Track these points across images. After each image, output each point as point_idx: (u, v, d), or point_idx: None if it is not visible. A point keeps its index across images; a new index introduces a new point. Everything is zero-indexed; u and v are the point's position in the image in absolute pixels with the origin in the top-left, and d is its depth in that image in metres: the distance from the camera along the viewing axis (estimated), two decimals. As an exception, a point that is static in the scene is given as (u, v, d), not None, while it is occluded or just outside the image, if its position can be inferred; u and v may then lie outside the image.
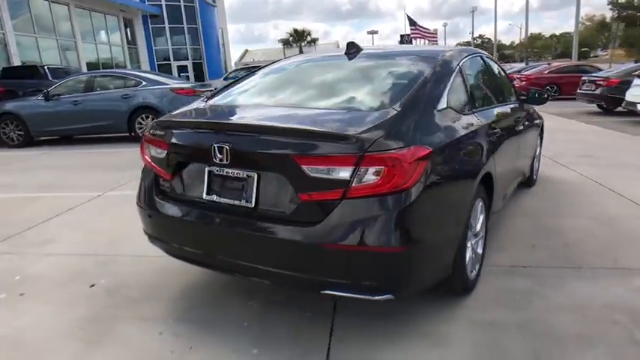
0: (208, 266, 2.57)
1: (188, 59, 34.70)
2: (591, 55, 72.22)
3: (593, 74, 13.70)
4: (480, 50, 3.88)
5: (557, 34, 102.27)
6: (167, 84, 9.95)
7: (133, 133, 9.76)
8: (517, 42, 63.58)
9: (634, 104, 10.34)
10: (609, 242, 3.60)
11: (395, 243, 2.03)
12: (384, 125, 2.13)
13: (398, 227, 2.03)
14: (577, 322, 2.51)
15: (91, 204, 5.14)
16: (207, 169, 2.38)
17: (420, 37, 61.52)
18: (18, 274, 3.34)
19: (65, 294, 3.03)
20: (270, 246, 2.20)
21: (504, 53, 76.38)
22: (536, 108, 5.09)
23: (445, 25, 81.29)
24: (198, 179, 2.44)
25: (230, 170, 2.30)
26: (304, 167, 2.07)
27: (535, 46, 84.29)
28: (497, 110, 3.44)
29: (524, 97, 4.36)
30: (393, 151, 2.01)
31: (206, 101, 3.01)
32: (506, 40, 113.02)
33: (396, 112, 2.25)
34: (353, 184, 2.02)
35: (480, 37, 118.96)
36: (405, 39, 68.50)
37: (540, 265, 3.22)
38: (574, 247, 3.52)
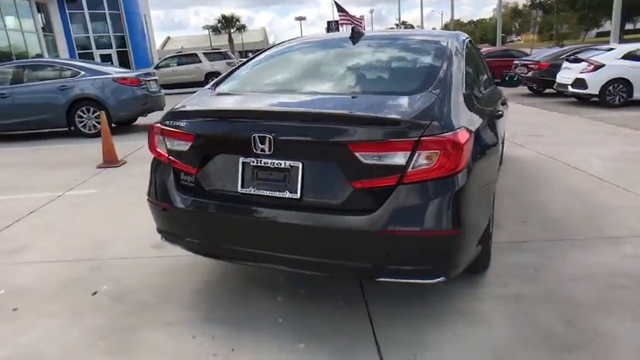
0: (241, 260, 2.45)
1: (112, 47, 32.59)
2: (507, 41, 76.87)
3: (524, 58, 14.58)
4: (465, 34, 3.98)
5: (475, 20, 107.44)
6: (109, 73, 9.30)
7: (72, 127, 9.06)
8: (439, 28, 66.08)
9: (564, 85, 11.17)
10: (587, 214, 3.88)
11: (449, 226, 2.05)
12: (433, 109, 2.13)
13: (451, 210, 2.06)
14: (591, 289, 2.69)
15: (53, 205, 4.72)
16: (242, 160, 2.26)
17: (348, 24, 62.40)
18: (1, 288, 3.01)
19: (65, 304, 2.77)
20: (321, 237, 2.14)
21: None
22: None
23: (372, 11, 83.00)
24: (229, 171, 2.31)
25: (271, 161, 2.20)
26: (358, 154, 2.02)
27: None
28: (490, 93, 3.56)
29: (498, 81, 4.55)
30: (448, 134, 2.02)
31: (214, 89, 2.84)
32: (427, 27, 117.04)
33: (435, 96, 2.26)
34: (409, 170, 2.01)
35: (404, 23, 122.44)
36: (331, 25, 69.13)
37: (538, 239, 3.41)
38: (561, 220, 3.76)
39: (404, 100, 2.25)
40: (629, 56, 10.28)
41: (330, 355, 2.21)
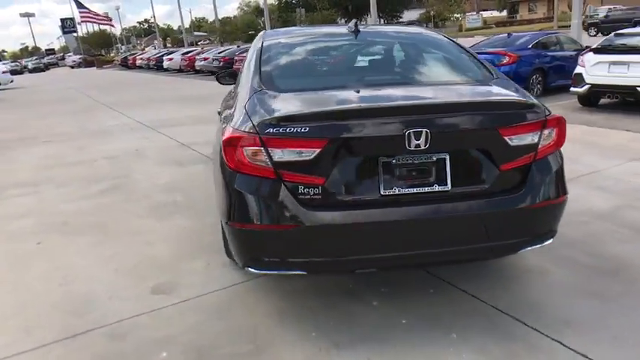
0: (384, 267, 2.37)
1: None
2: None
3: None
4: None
5: (220, 18, 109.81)
6: None
7: None
8: (187, 26, 65.73)
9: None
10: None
11: (564, 192, 2.39)
12: (525, 94, 2.44)
13: (562, 178, 2.39)
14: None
15: None
16: (382, 160, 2.10)
17: (92, 21, 55.95)
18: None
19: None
20: (473, 223, 2.19)
21: (178, 37, 77.62)
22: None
23: (118, 8, 77.20)
24: (366, 175, 2.13)
25: (417, 156, 2.11)
26: (506, 138, 2.15)
27: (204, 30, 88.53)
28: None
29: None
30: (555, 113, 2.33)
31: (263, 89, 2.45)
32: (174, 25, 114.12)
33: (510, 83, 2.56)
34: (539, 147, 2.25)
35: (146, 21, 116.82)
36: (67, 23, 61.05)
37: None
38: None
39: (495, 87, 2.49)
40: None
41: (482, 337, 2.27)
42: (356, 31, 3.09)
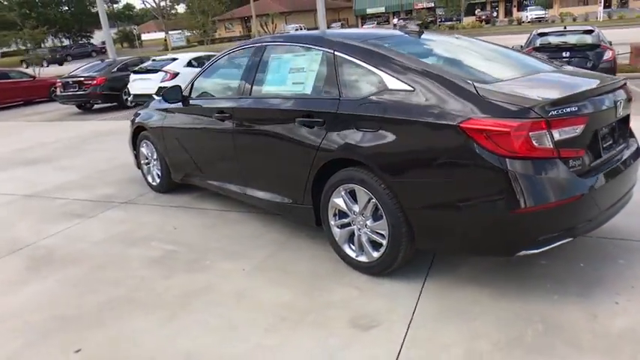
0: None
1: None
2: None
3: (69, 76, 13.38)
4: None
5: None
6: None
7: None
8: None
9: (147, 96, 11.59)
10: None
11: None
12: None
13: None
14: None
15: None
16: (602, 128, 2.53)
17: None
18: None
19: None
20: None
21: None
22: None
23: None
24: (595, 141, 2.49)
25: (616, 122, 2.66)
26: None
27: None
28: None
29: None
30: None
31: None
32: None
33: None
34: None
35: None
36: None
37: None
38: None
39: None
40: (190, 64, 11.84)
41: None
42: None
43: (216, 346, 2.32)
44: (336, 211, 2.94)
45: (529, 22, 39.59)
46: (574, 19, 37.25)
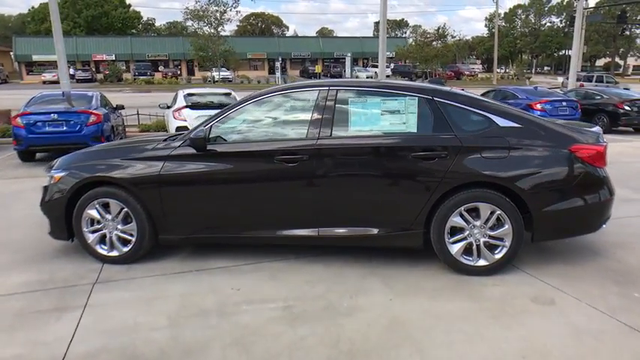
0: None
1: None
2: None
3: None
4: None
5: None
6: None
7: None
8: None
9: None
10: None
11: None
12: None
13: None
14: None
15: None
16: None
17: None
18: None
19: None
20: None
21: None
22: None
23: None
24: None
25: None
26: None
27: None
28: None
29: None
30: None
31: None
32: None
33: None
34: None
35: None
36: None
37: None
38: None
39: None
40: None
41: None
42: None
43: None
44: (449, 229, 3.49)
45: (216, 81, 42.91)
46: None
